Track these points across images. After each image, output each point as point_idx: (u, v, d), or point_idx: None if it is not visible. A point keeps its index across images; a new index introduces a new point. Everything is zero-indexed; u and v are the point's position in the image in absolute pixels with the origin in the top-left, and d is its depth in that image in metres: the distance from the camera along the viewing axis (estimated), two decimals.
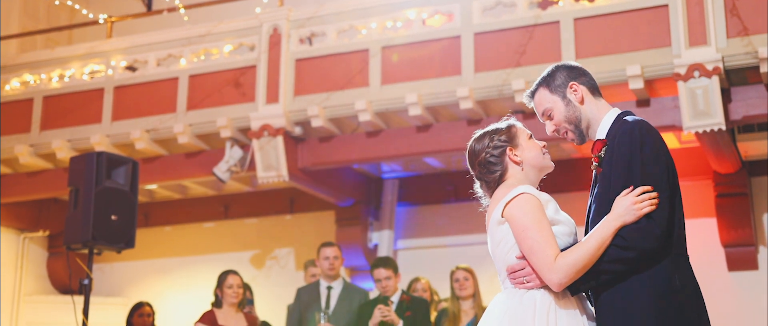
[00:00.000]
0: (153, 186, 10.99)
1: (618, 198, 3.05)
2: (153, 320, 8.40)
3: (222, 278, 6.94)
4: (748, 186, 9.42)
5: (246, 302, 7.22)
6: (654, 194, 3.02)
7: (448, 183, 10.59)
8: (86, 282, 6.42)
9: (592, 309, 3.17)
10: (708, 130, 7.69)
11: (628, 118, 3.23)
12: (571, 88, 3.35)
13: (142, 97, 9.80)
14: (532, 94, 3.45)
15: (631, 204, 3.00)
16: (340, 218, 10.77)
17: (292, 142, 9.25)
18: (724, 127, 7.67)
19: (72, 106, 10.08)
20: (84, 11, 12.01)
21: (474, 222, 9.86)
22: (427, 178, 10.82)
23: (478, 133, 3.39)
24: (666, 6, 7.96)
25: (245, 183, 10.94)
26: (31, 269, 11.76)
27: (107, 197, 6.61)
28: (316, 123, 8.96)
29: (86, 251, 6.59)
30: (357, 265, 10.62)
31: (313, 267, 8.25)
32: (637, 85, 7.85)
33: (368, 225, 10.75)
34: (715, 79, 7.58)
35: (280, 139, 9.01)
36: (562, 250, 3.04)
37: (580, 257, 2.99)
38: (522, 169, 3.29)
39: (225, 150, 9.35)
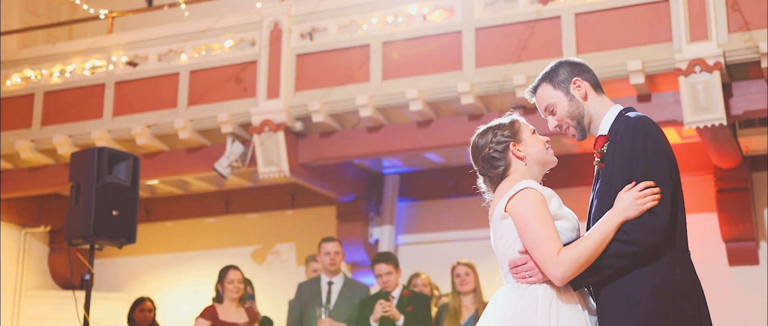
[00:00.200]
0: (154, 182, 10.99)
1: (620, 193, 3.05)
2: (154, 315, 8.41)
3: (223, 273, 6.95)
4: (749, 181, 9.42)
5: (247, 297, 7.22)
6: (656, 189, 3.03)
7: (449, 179, 10.59)
8: (87, 277, 6.43)
9: (594, 303, 3.17)
10: (709, 125, 7.69)
11: (631, 113, 3.24)
12: (574, 83, 3.36)
13: (143, 93, 9.80)
14: (535, 90, 3.45)
15: (634, 200, 3.00)
16: (341, 213, 10.77)
17: (293, 138, 9.25)
18: (725, 122, 7.67)
19: (73, 102, 10.08)
20: (85, 6, 12.01)
21: (475, 217, 9.87)
22: (427, 174, 10.82)
23: (482, 128, 3.39)
24: (667, 1, 7.96)
25: (246, 178, 10.95)
26: (32, 264, 11.78)
27: (108, 192, 6.62)
28: (317, 118, 8.96)
29: (87, 246, 6.60)
30: (358, 260, 10.63)
31: (314, 263, 8.25)
32: (638, 80, 7.85)
33: (369, 220, 10.76)
34: (716, 74, 7.58)
35: (281, 135, 9.01)
36: (565, 245, 3.05)
37: (582, 252, 3.00)
38: (525, 165, 3.29)
39: (226, 145, 9.36)
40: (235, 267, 7.00)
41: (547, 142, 3.36)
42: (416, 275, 7.88)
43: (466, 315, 7.04)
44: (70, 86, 10.17)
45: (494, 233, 3.26)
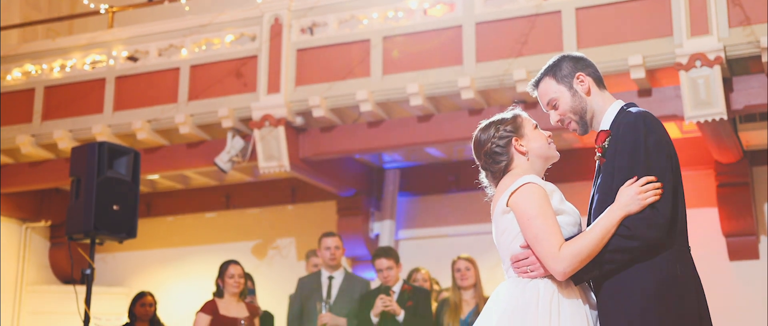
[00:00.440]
0: (155, 177, 10.99)
1: (622, 188, 3.05)
2: (155, 309, 8.41)
3: (223, 268, 6.96)
4: (750, 176, 9.42)
5: (247, 292, 7.22)
6: (658, 184, 3.03)
7: (450, 173, 10.59)
8: (88, 271, 6.43)
9: (595, 298, 3.18)
10: (709, 119, 7.69)
11: (632, 109, 3.24)
12: (577, 78, 3.35)
13: (143, 87, 9.80)
14: (537, 84, 3.44)
15: (636, 195, 3.01)
16: (341, 208, 10.78)
17: (294, 132, 9.25)
18: (725, 117, 7.67)
19: (73, 96, 10.08)
20: (85, 1, 11.99)
21: (475, 212, 9.88)
22: (428, 168, 10.82)
23: (484, 123, 3.39)
24: None
25: (247, 173, 10.95)
26: (33, 259, 11.78)
27: (109, 187, 6.61)
28: (317, 113, 8.96)
29: (88, 241, 6.60)
30: (358, 255, 10.64)
31: (315, 257, 8.26)
32: (639, 74, 7.84)
33: (369, 215, 10.76)
34: (717, 69, 7.58)
35: (281, 129, 9.01)
36: (566, 240, 3.05)
37: (584, 246, 3.00)
38: (527, 159, 3.29)
39: (226, 140, 9.35)
40: (236, 262, 7.00)
41: (549, 136, 3.36)
42: (416, 270, 7.88)
43: (466, 309, 7.05)
44: (70, 81, 10.17)
45: (496, 228, 3.26)
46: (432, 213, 10.81)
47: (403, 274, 7.56)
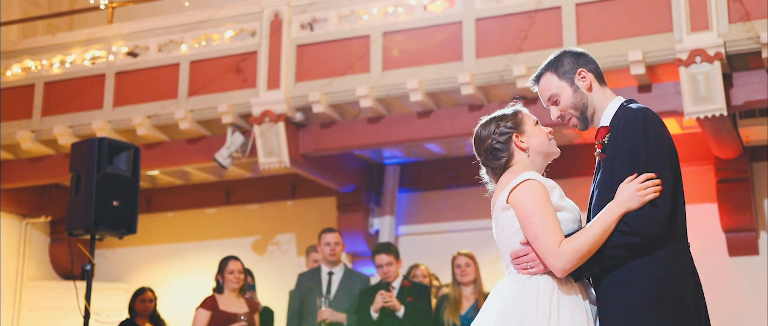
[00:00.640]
0: (155, 172, 10.99)
1: (622, 185, 3.06)
2: (155, 305, 8.42)
3: (223, 264, 6.96)
4: (749, 172, 9.42)
5: (247, 287, 7.23)
6: (658, 181, 3.03)
7: (450, 169, 10.59)
8: (88, 267, 6.43)
9: (594, 293, 3.18)
10: (709, 115, 7.69)
11: (632, 105, 3.24)
12: (579, 74, 3.35)
13: (143, 83, 9.80)
14: (538, 79, 3.44)
15: (635, 191, 3.01)
16: (341, 204, 10.78)
17: (294, 128, 9.25)
18: (725, 113, 7.67)
19: (73, 92, 10.08)
20: None
21: (475, 207, 9.88)
22: (428, 164, 10.83)
23: (484, 119, 3.39)
24: None
25: (247, 169, 10.95)
26: (33, 255, 11.79)
27: (109, 183, 6.62)
28: (317, 109, 8.96)
29: (88, 237, 6.60)
30: (358, 251, 10.64)
31: (315, 253, 8.26)
32: (639, 70, 7.84)
33: (369, 210, 10.76)
34: (717, 65, 7.57)
35: (281, 125, 9.01)
36: (566, 236, 3.05)
37: (584, 243, 3.00)
38: (528, 156, 3.29)
39: (226, 136, 9.36)
40: (236, 258, 7.01)
41: (549, 132, 3.36)
42: (415, 266, 7.88)
43: (466, 305, 7.05)
44: (70, 77, 10.17)
45: (496, 224, 3.26)
46: (432, 209, 10.81)
47: (403, 270, 7.57)
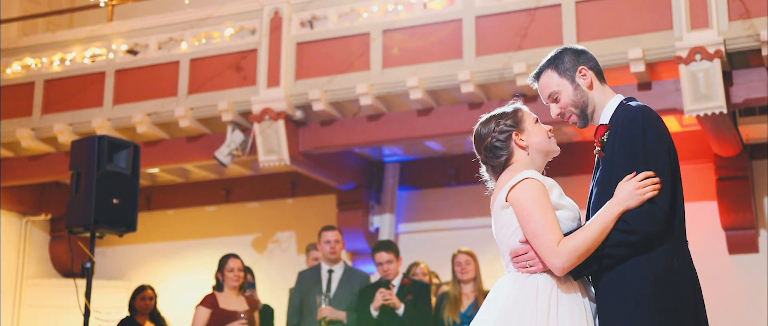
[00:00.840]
0: (154, 170, 11.00)
1: (620, 183, 3.05)
2: (155, 303, 8.42)
3: (223, 262, 6.96)
4: (749, 170, 9.42)
5: (247, 285, 7.23)
6: (656, 179, 3.03)
7: (450, 167, 10.59)
8: (88, 265, 6.44)
9: (594, 291, 3.18)
10: (709, 113, 7.68)
11: (632, 103, 3.24)
12: (580, 72, 3.35)
13: (143, 81, 9.80)
14: (538, 76, 3.43)
15: (634, 190, 3.01)
16: (341, 202, 10.78)
17: (294, 126, 9.25)
18: (725, 110, 7.66)
19: (73, 90, 10.08)
20: None
21: (475, 205, 9.88)
22: (428, 162, 10.82)
23: (484, 116, 3.38)
24: None
25: (246, 167, 10.95)
26: (33, 252, 11.79)
27: (109, 181, 6.62)
28: (317, 106, 8.96)
29: (88, 234, 6.61)
30: (358, 249, 10.64)
31: (315, 251, 8.26)
32: (639, 68, 7.84)
33: (369, 208, 10.76)
34: (717, 62, 7.57)
35: (281, 123, 9.01)
36: (565, 235, 3.05)
37: (582, 241, 3.00)
38: (528, 154, 3.28)
39: (226, 134, 9.36)
40: (235, 256, 7.00)
41: (549, 131, 3.36)
42: (415, 264, 7.88)
43: (466, 303, 7.05)
44: (70, 74, 10.17)
45: (495, 222, 3.26)
46: (432, 206, 10.81)
47: (403, 268, 7.57)
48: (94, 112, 9.87)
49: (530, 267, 3.11)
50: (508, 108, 3.37)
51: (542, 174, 3.27)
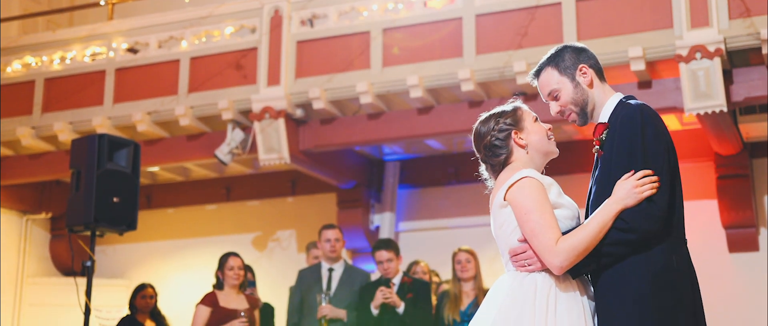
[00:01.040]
0: (155, 169, 11.00)
1: (619, 182, 3.05)
2: (155, 301, 8.42)
3: (223, 260, 6.96)
4: (750, 168, 9.42)
5: (247, 284, 7.23)
6: (655, 178, 3.03)
7: (450, 165, 10.59)
8: (89, 264, 6.44)
9: (592, 289, 3.18)
10: (709, 111, 7.68)
11: (631, 101, 3.24)
12: (580, 70, 3.34)
13: (143, 79, 9.80)
14: (538, 74, 3.43)
15: (633, 188, 3.01)
16: (341, 200, 10.78)
17: (294, 124, 9.25)
18: (725, 109, 7.66)
19: (73, 88, 10.08)
20: None
21: (475, 204, 9.87)
22: (428, 160, 10.82)
23: (484, 115, 3.38)
24: None
25: (247, 165, 10.95)
26: (33, 251, 11.80)
27: (109, 179, 6.62)
28: (317, 105, 8.96)
29: (88, 233, 6.61)
30: (358, 247, 10.64)
31: (315, 249, 8.26)
32: (639, 66, 7.84)
33: (370, 207, 10.76)
34: (717, 61, 7.57)
35: (281, 121, 9.01)
36: (564, 234, 3.05)
37: (581, 240, 3.00)
38: (527, 153, 3.29)
39: (226, 132, 9.35)
40: (235, 254, 7.01)
41: (549, 129, 3.36)
42: (415, 263, 7.88)
43: (466, 301, 7.05)
44: (70, 73, 10.17)
45: (494, 221, 3.26)
46: (432, 205, 10.81)
47: (403, 266, 7.57)
48: (94, 110, 9.87)
49: (529, 265, 3.11)
50: (507, 106, 3.37)
51: (542, 172, 3.27)
